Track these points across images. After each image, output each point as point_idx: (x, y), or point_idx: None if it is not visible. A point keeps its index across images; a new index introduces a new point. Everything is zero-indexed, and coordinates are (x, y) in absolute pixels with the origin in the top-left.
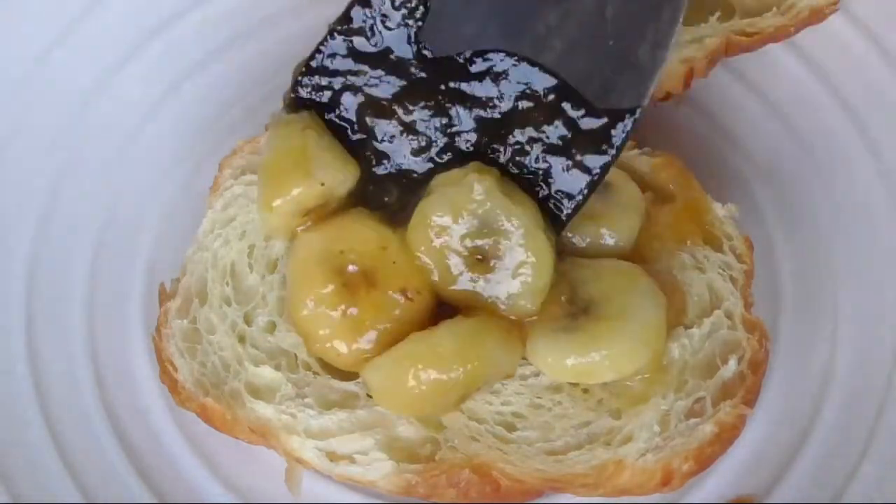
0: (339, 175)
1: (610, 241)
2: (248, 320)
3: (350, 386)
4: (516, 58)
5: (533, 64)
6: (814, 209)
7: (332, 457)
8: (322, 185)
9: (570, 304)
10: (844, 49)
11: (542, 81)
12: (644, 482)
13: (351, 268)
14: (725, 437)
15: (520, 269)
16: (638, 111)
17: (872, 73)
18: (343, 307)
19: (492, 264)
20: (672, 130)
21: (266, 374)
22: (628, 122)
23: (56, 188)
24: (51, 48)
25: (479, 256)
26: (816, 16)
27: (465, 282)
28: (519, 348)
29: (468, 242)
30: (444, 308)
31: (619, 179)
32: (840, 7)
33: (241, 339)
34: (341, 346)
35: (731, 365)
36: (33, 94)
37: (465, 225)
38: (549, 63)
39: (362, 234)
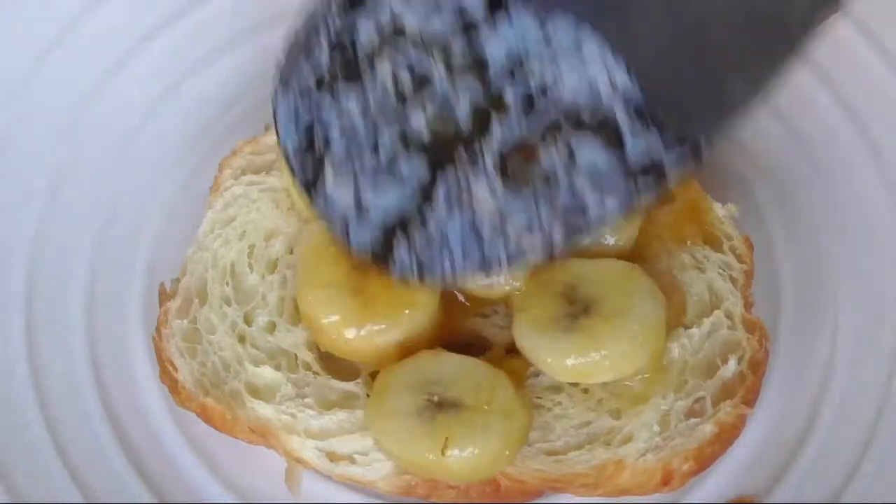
0: None
1: (610, 241)
2: (248, 320)
3: (350, 386)
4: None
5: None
6: (814, 209)
7: (332, 457)
8: None
9: (570, 304)
10: (844, 49)
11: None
12: (644, 482)
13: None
14: (725, 437)
15: None
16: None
17: (872, 73)
18: (353, 289)
19: None
20: None
21: (266, 374)
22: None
23: (56, 188)
24: (51, 48)
25: None
26: None
27: None
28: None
29: None
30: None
31: None
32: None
33: (241, 339)
34: (350, 332)
35: (731, 365)
36: (33, 94)
37: None
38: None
39: None
